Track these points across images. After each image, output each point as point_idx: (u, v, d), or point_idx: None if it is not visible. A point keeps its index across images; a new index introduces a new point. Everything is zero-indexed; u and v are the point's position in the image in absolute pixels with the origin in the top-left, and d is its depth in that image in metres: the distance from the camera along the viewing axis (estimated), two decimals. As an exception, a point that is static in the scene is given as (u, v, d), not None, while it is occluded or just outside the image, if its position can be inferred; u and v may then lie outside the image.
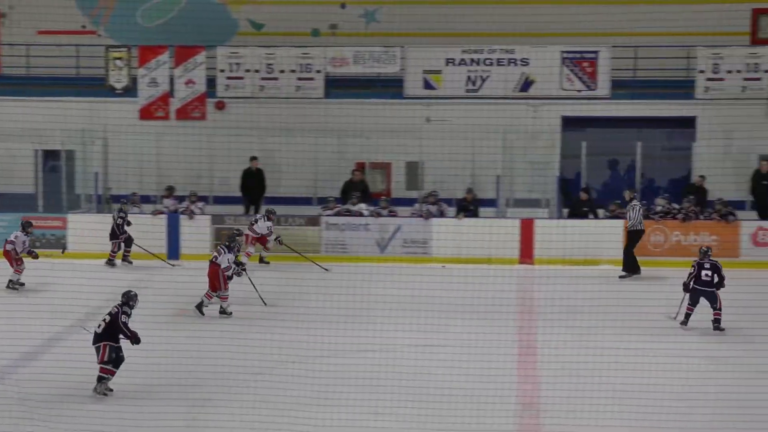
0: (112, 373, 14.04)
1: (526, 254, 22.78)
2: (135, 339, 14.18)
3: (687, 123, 25.18)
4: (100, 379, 14.00)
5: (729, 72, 24.88)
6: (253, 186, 24.80)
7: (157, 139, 24.70)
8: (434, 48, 25.60)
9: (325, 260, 22.35)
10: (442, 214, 23.33)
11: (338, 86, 25.73)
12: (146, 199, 24.56)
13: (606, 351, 15.02)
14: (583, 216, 23.36)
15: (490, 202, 23.92)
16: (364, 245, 22.85)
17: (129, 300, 14.40)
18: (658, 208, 23.17)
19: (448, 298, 19.13)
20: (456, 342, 15.62)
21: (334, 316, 17.82)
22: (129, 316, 14.27)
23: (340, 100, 25.32)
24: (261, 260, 22.68)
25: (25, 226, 20.91)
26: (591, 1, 25.40)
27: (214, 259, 18.41)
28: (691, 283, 17.22)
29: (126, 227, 22.61)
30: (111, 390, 14.00)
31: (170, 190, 24.50)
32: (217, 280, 18.24)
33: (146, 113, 25.79)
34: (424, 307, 18.47)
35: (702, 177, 23.89)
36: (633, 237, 21.80)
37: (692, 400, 13.15)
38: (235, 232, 19.82)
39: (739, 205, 23.68)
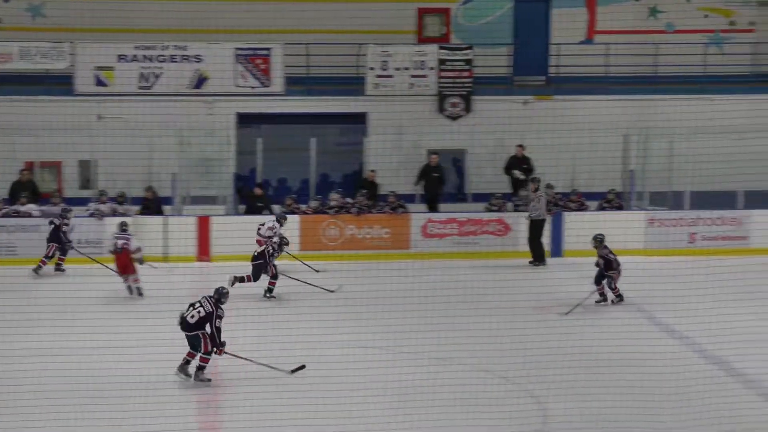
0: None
1: (203, 251, 22.71)
2: (219, 344, 13.80)
3: (359, 119, 25.83)
4: (201, 368, 13.93)
5: (397, 69, 25.73)
6: None
7: None
8: (105, 44, 25.09)
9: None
10: (114, 213, 22.83)
11: (3, 83, 24.73)
12: None
13: (285, 345, 15.21)
14: (259, 211, 23.53)
15: (167, 200, 23.66)
16: (35, 247, 21.99)
17: (221, 297, 14.05)
18: (333, 203, 23.64)
19: (126, 297, 18.88)
20: (133, 341, 15.34)
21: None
22: (221, 318, 13.95)
23: (6, 97, 24.36)
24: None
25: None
26: (263, -1, 25.64)
27: (124, 245, 18.80)
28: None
29: (70, 234, 21.47)
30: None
31: None
32: (130, 265, 18.87)
33: None
34: (100, 308, 18.17)
35: (373, 171, 24.56)
36: (537, 226, 22.40)
37: (369, 389, 13.47)
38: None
39: (409, 198, 24.50)
